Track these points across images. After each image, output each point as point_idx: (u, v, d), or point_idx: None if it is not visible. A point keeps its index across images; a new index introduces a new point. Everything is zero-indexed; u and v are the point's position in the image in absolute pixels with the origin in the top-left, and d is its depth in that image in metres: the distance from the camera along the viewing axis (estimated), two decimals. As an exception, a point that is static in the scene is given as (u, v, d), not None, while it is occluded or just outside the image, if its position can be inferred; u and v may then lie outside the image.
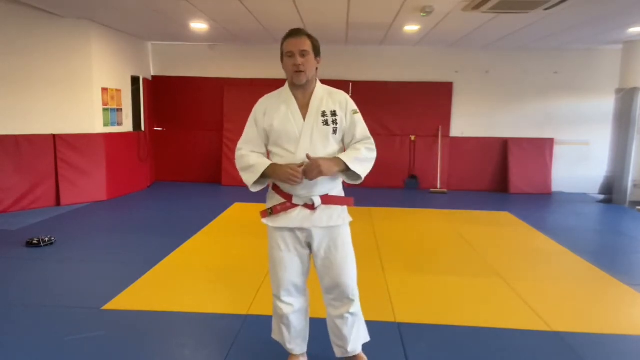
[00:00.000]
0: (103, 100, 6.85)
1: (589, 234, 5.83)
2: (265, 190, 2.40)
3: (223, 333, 2.92)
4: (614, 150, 7.65)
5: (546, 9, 5.22)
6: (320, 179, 2.19)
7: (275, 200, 2.30)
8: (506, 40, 7.44)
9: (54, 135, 6.38)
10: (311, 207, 2.23)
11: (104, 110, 6.89)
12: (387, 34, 7.11)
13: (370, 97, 8.28)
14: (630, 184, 7.51)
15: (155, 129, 8.78)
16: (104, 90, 6.87)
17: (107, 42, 6.98)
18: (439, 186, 8.52)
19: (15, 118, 6.11)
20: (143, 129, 8.14)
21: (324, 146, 2.22)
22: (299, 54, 2.17)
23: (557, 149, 8.59)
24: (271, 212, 2.27)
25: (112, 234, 5.22)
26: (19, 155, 6.09)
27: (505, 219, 6.39)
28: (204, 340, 2.89)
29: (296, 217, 2.24)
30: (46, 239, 4.62)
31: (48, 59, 6.31)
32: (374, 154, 2.30)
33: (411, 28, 6.64)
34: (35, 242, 4.56)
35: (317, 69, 2.28)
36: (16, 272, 3.92)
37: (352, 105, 2.31)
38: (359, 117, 2.31)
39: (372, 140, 2.31)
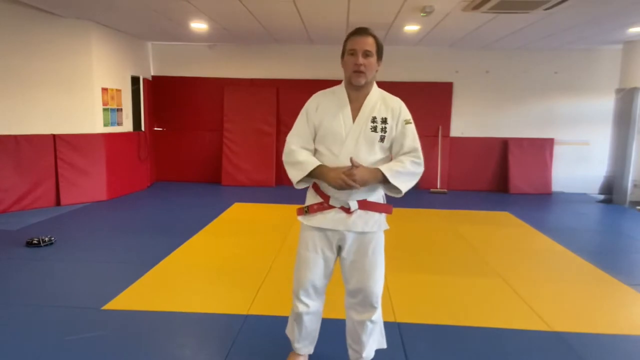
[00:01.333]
0: (103, 100, 6.85)
1: (589, 234, 5.82)
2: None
3: (223, 333, 2.92)
4: (614, 150, 7.65)
5: (546, 9, 5.22)
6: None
7: (313, 199, 2.27)
8: (506, 40, 7.44)
9: (54, 135, 6.38)
10: (347, 210, 2.20)
11: (104, 110, 6.89)
12: (387, 34, 7.10)
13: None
14: (630, 184, 7.51)
15: (155, 129, 8.78)
16: (104, 90, 6.87)
17: (107, 42, 6.97)
18: (439, 186, 8.53)
19: (15, 118, 6.11)
20: (143, 129, 8.14)
21: (369, 153, 2.14)
22: (362, 53, 2.10)
23: (557, 149, 8.59)
24: (307, 210, 2.26)
25: (112, 234, 5.22)
26: (19, 155, 6.09)
27: (505, 219, 6.39)
28: (204, 340, 2.89)
29: (331, 218, 2.21)
30: (46, 239, 4.62)
31: (48, 59, 6.31)
32: (420, 169, 2.20)
33: (411, 28, 6.64)
34: (35, 242, 4.56)
35: (376, 71, 2.20)
36: (16, 272, 3.92)
37: (406, 114, 2.22)
38: (411, 127, 2.21)
39: (419, 154, 2.20)
